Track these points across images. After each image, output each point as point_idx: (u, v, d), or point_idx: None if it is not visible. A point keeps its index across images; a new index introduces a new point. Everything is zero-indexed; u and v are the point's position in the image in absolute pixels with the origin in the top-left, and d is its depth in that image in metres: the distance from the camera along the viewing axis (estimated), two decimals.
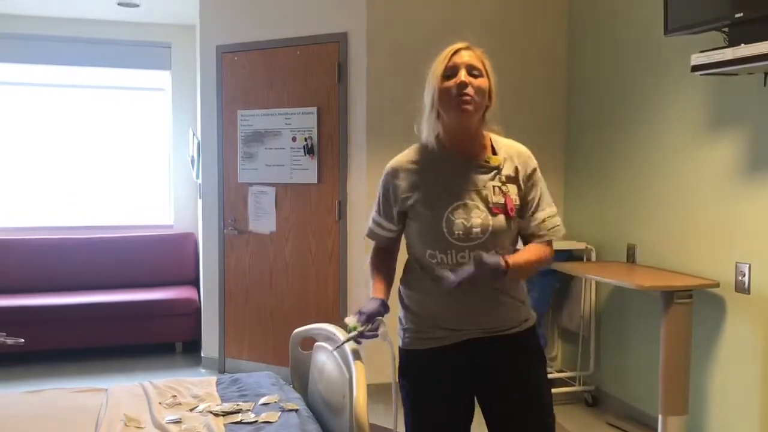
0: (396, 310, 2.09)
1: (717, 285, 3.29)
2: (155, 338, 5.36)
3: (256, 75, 4.65)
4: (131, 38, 5.97)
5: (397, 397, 2.08)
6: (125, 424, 2.46)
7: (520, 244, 2.07)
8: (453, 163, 1.98)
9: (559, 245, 3.88)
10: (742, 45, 2.76)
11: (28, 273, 5.56)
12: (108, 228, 6.03)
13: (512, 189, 1.97)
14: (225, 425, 2.44)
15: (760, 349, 3.12)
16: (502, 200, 1.94)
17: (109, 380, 4.56)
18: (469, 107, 1.89)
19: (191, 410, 2.62)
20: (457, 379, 2.03)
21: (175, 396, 2.78)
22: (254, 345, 4.77)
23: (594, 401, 4.23)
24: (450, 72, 1.90)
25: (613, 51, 4.13)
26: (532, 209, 2.00)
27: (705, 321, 3.40)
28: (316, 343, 2.81)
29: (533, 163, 2.03)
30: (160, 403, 2.70)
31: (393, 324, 2.07)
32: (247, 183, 4.72)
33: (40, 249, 5.65)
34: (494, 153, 2.00)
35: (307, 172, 4.50)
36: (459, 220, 1.92)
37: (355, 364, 2.23)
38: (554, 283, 4.36)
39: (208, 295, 4.96)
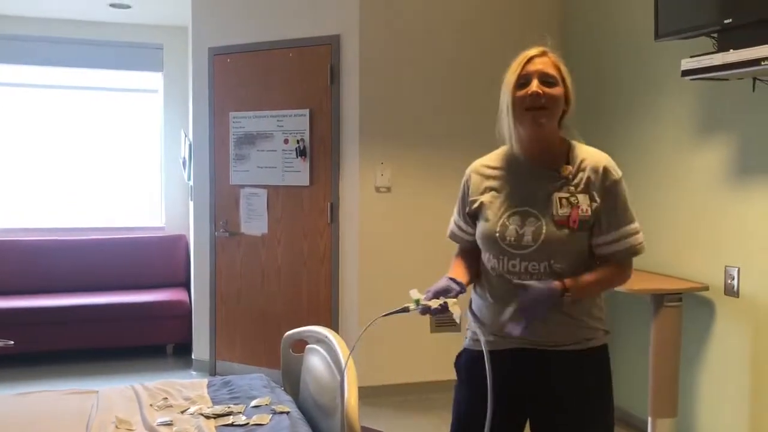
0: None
1: (706, 288, 3.32)
2: (146, 340, 5.35)
3: (249, 77, 4.64)
4: (123, 39, 5.96)
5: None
6: (116, 426, 2.46)
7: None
8: (524, 169, 1.96)
9: None
10: (731, 51, 2.79)
11: (17, 274, 5.53)
12: (99, 230, 6.01)
13: (583, 200, 1.88)
14: (216, 428, 2.45)
15: (749, 352, 3.14)
16: (568, 212, 1.87)
17: (100, 382, 4.54)
18: (543, 120, 1.86)
19: (182, 412, 2.62)
20: (503, 385, 1.92)
21: (167, 398, 2.78)
22: (245, 347, 4.76)
23: None
24: (523, 80, 1.87)
25: (603, 56, 4.15)
26: (605, 226, 1.89)
27: (694, 324, 3.42)
28: (308, 346, 2.82)
29: (613, 175, 1.92)
30: (151, 405, 2.70)
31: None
32: (238, 185, 4.72)
33: (30, 250, 5.63)
34: (569, 162, 1.94)
35: (299, 174, 4.50)
36: (512, 226, 1.90)
37: (346, 366, 2.24)
38: None
39: (199, 297, 4.95)
